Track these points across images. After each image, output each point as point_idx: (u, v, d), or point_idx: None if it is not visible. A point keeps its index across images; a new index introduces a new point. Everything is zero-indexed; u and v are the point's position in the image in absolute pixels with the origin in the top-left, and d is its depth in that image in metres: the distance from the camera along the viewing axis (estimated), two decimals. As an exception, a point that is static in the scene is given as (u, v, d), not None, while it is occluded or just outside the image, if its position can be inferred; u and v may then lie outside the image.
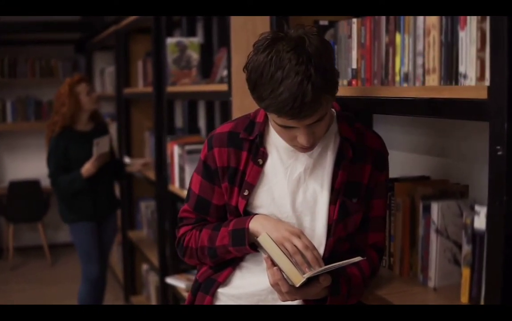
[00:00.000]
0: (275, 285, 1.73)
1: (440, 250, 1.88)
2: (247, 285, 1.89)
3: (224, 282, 1.93)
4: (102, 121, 4.59)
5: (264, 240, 1.70)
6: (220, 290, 1.94)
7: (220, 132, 1.88)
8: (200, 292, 1.97)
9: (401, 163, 2.30)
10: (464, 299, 1.73)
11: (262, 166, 1.83)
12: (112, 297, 5.75)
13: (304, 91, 1.57)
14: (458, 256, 1.90)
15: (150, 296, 5.12)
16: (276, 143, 1.83)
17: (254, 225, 1.79)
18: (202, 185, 1.91)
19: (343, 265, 1.71)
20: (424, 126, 2.29)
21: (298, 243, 1.73)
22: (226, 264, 1.91)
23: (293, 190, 1.82)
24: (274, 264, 1.71)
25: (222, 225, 1.87)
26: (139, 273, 5.51)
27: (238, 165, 1.85)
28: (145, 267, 5.31)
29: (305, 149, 1.75)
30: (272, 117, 1.69)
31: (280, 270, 1.70)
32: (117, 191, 6.11)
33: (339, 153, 1.82)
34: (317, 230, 1.82)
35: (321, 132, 1.74)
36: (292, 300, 1.75)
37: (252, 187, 1.83)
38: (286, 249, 1.72)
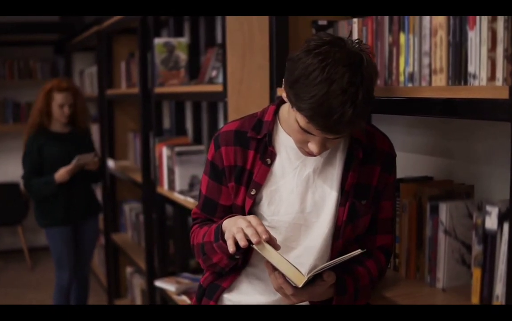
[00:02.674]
0: (279, 290, 1.71)
1: (449, 251, 1.88)
2: (255, 294, 1.87)
3: (229, 288, 1.90)
4: (82, 127, 4.41)
5: (260, 246, 1.68)
6: (226, 296, 1.91)
7: (226, 131, 1.85)
8: (205, 297, 1.94)
9: (403, 163, 2.28)
10: (475, 300, 1.73)
11: (270, 165, 1.81)
12: (95, 300, 5.67)
13: (344, 112, 1.54)
14: (466, 256, 1.90)
15: (135, 299, 5.07)
16: (285, 143, 1.81)
17: (224, 223, 1.77)
18: (209, 185, 1.88)
19: (343, 259, 1.68)
20: (425, 126, 2.28)
21: (252, 220, 1.69)
22: (230, 271, 1.88)
23: (302, 191, 1.79)
24: (275, 269, 1.69)
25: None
26: (123, 276, 5.45)
27: (244, 164, 1.82)
28: (129, 269, 5.26)
29: (311, 155, 1.73)
30: (296, 115, 1.65)
31: (282, 274, 1.67)
32: (99, 193, 6.07)
33: (349, 154, 1.80)
34: (325, 231, 1.80)
35: (333, 146, 1.74)
36: (299, 302, 1.73)
37: (259, 186, 1.81)
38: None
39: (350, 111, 1.54)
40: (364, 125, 1.71)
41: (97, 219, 4.58)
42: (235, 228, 1.68)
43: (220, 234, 1.76)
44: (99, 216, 4.64)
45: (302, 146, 1.73)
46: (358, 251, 1.68)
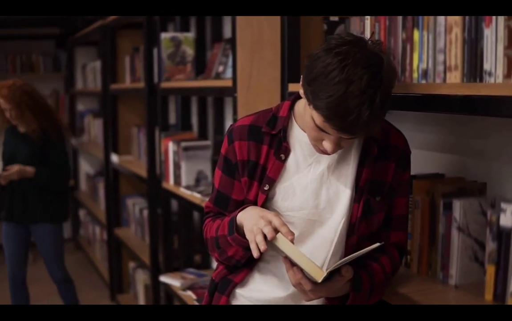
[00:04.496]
0: (297, 285, 1.71)
1: (462, 248, 1.88)
2: (268, 290, 1.87)
3: (242, 283, 1.90)
4: (29, 130, 4.20)
5: (279, 240, 1.67)
6: (238, 291, 1.91)
7: (240, 125, 1.85)
8: (217, 292, 1.94)
9: (414, 160, 2.28)
10: (489, 297, 1.73)
11: (284, 161, 1.81)
12: (97, 295, 5.69)
13: (360, 113, 1.54)
14: (479, 253, 1.90)
15: (138, 295, 5.07)
16: (299, 138, 1.80)
17: (239, 215, 1.77)
18: (222, 179, 1.88)
19: (362, 253, 1.68)
20: (436, 123, 2.28)
21: (273, 218, 1.68)
22: (243, 265, 1.89)
23: (316, 187, 1.79)
24: (293, 264, 1.69)
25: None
26: (126, 271, 5.45)
27: (258, 159, 1.82)
28: (132, 265, 5.26)
29: (324, 153, 1.73)
30: (312, 113, 1.65)
31: (301, 269, 1.67)
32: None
33: (364, 151, 1.80)
34: (340, 227, 1.80)
35: (347, 146, 1.74)
36: (317, 298, 1.72)
37: (273, 182, 1.81)
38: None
39: (367, 113, 1.54)
40: (380, 128, 1.71)
41: (52, 226, 4.35)
42: (256, 228, 1.67)
43: (235, 227, 1.76)
44: (58, 223, 4.40)
45: (317, 144, 1.73)
46: (376, 245, 1.68)
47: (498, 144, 2.03)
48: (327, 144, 1.68)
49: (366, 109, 1.54)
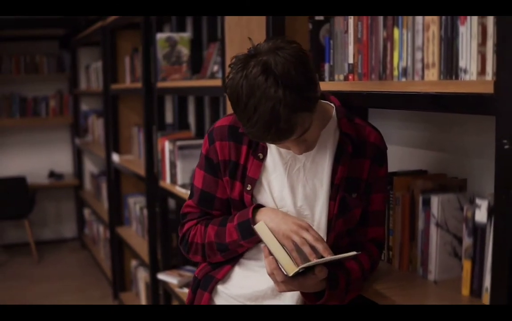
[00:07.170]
0: (271, 275, 1.73)
1: (440, 244, 1.90)
2: (248, 286, 1.89)
3: (224, 279, 1.93)
4: None
5: (260, 228, 1.72)
6: (220, 287, 1.94)
7: (220, 126, 1.88)
8: (200, 289, 1.97)
9: (398, 157, 2.31)
10: (465, 292, 1.75)
11: (262, 160, 1.83)
12: (100, 293, 5.73)
13: (277, 116, 1.56)
14: (458, 249, 1.92)
15: (140, 292, 5.10)
16: None
17: (261, 217, 1.79)
18: (205, 179, 1.90)
19: (337, 259, 1.70)
20: (420, 120, 2.30)
21: (307, 236, 1.72)
22: (225, 262, 1.91)
23: (292, 185, 1.82)
24: (271, 253, 1.72)
25: (227, 221, 1.86)
26: (128, 269, 5.49)
27: (238, 159, 1.85)
28: (134, 263, 5.30)
29: (302, 153, 1.77)
30: None
31: (276, 260, 1.70)
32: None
33: (339, 148, 1.82)
34: (318, 224, 1.83)
35: (313, 137, 1.75)
36: (288, 291, 1.74)
37: (254, 181, 1.83)
38: (293, 241, 1.73)
39: (281, 111, 1.56)
40: (312, 115, 1.67)
41: None
42: (289, 229, 1.74)
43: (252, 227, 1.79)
44: None
45: (290, 149, 1.77)
46: (353, 253, 1.70)
47: (478, 141, 2.05)
48: (294, 149, 1.73)
49: (279, 109, 1.55)
